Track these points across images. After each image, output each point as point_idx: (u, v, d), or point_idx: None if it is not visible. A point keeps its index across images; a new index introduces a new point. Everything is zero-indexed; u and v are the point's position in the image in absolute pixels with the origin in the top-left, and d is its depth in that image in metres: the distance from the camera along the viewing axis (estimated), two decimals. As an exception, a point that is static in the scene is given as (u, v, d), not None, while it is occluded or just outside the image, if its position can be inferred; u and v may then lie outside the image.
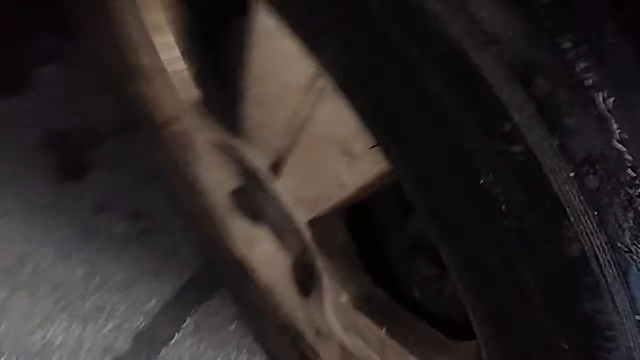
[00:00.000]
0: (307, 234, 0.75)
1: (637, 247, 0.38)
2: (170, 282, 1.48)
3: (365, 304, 0.78)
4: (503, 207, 0.39)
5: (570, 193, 0.38)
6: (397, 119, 0.44)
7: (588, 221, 0.38)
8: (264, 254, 1.07)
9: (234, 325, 1.43)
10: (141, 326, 1.44)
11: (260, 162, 0.76)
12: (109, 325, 1.44)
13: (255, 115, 0.73)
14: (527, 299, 0.42)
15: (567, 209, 0.38)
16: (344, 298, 0.79)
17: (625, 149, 0.37)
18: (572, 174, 0.37)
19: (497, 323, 0.47)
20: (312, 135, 0.64)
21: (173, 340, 1.42)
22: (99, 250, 1.52)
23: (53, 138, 1.66)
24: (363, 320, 0.77)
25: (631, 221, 0.38)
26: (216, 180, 1.06)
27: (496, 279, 0.43)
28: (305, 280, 0.93)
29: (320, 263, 0.79)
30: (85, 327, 1.42)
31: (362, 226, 0.77)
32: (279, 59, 0.65)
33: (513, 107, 0.37)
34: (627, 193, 0.38)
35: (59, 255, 1.50)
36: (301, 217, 0.74)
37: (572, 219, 0.38)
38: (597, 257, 0.39)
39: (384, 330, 0.74)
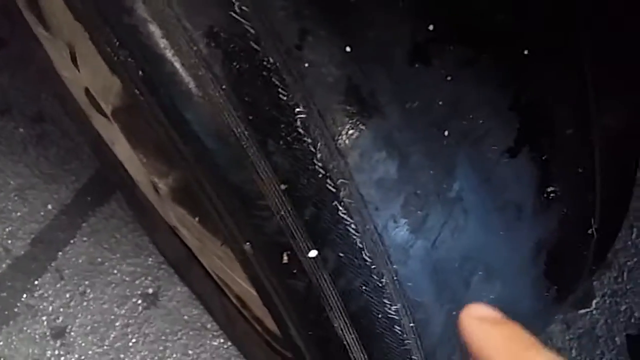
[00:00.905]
0: (116, 127, 0.74)
1: (263, 119, 0.37)
2: (67, 186, 1.48)
3: (180, 195, 0.78)
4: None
5: (198, 66, 0.36)
6: None
7: (219, 93, 0.37)
8: (123, 152, 1.06)
9: (129, 227, 1.44)
10: (38, 230, 1.44)
11: (66, 55, 0.73)
12: (7, 230, 1.44)
13: (45, 6, 0.70)
14: (195, 174, 0.41)
15: (194, 84, 0.36)
16: (164, 191, 0.78)
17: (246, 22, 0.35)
18: (194, 47, 0.36)
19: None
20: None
21: (70, 243, 1.43)
22: (-3, 154, 1.50)
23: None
24: (181, 211, 0.78)
25: (260, 92, 0.37)
26: (70, 77, 1.03)
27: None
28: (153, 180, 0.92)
29: (139, 157, 0.78)
30: (-17, 232, 1.43)
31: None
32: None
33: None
34: (253, 64, 0.36)
35: (-44, 161, 1.48)
36: (106, 110, 0.72)
37: (200, 98, 0.37)
38: (233, 131, 0.38)
39: (197, 219, 0.74)
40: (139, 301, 1.38)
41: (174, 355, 1.34)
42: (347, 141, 0.39)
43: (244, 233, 0.42)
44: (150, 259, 1.42)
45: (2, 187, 1.47)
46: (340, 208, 0.40)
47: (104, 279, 1.40)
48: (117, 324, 1.36)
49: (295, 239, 0.41)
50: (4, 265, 1.41)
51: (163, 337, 1.35)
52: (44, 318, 1.36)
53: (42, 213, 1.46)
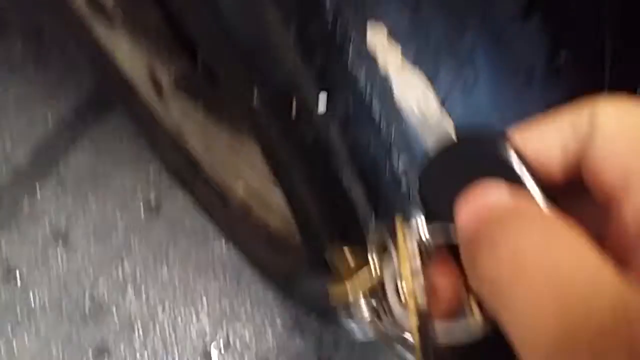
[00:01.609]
0: (118, 15, 0.72)
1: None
2: (68, 100, 1.47)
3: (183, 83, 0.77)
4: None
5: None
6: None
7: None
8: (124, 55, 1.04)
9: (130, 139, 1.44)
10: (39, 139, 1.44)
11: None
12: (8, 142, 1.44)
13: None
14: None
15: None
16: (167, 82, 0.78)
17: None
18: None
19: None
20: None
21: (72, 152, 1.43)
22: (-5, 71, 1.49)
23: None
24: (186, 101, 0.77)
25: None
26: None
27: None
28: (156, 79, 0.91)
29: (143, 49, 0.77)
30: (-17, 144, 1.43)
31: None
32: None
33: None
34: None
35: (-47, 80, 1.47)
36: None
37: None
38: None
39: (200, 104, 0.74)
40: (141, 208, 1.40)
41: (176, 258, 1.36)
42: (359, -14, 0.38)
43: (253, 83, 0.42)
44: (151, 168, 1.42)
45: (0, 103, 1.47)
46: (351, 55, 0.40)
47: (105, 186, 1.41)
48: (118, 227, 1.38)
49: (305, 88, 0.41)
50: (4, 173, 1.42)
51: (165, 242, 1.37)
52: (45, 221, 1.37)
53: (41, 123, 1.45)
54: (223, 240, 1.36)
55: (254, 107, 0.44)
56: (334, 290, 0.32)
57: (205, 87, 0.74)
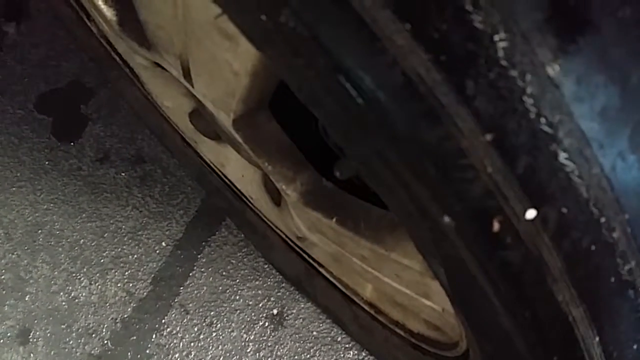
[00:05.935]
0: (238, 138, 0.69)
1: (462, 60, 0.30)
2: (177, 221, 1.47)
3: (312, 199, 0.72)
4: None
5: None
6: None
7: (400, 33, 0.31)
8: (235, 171, 1.02)
9: (243, 252, 1.41)
10: (157, 269, 1.44)
11: (175, 71, 0.70)
12: (127, 273, 1.44)
13: (150, 21, 0.66)
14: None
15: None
16: (294, 197, 0.73)
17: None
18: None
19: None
20: (195, 24, 0.57)
21: (190, 277, 1.42)
22: (105, 201, 1.52)
23: (43, 100, 1.64)
24: (315, 215, 0.72)
25: (450, 23, 0.30)
26: (173, 105, 1.00)
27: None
28: (273, 189, 0.88)
29: (264, 166, 0.73)
30: (105, 279, 1.43)
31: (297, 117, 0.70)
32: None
33: None
34: None
35: (69, 214, 1.51)
36: (225, 121, 0.68)
37: (377, 43, 0.31)
38: (422, 79, 0.31)
39: (334, 220, 0.69)
40: (266, 324, 1.35)
41: (311, 376, 1.29)
42: (559, 66, 0.32)
43: (442, 204, 0.35)
44: (269, 280, 1.38)
45: (115, 232, 1.48)
46: (560, 152, 0.33)
47: (228, 307, 1.37)
48: (248, 350, 1.32)
49: (508, 200, 0.34)
50: (129, 309, 1.41)
51: (296, 357, 1.30)
52: (176, 356, 1.34)
53: (157, 251, 1.45)
54: (354, 349, 1.29)
55: (441, 227, 0.37)
56: None
57: (343, 199, 0.69)
